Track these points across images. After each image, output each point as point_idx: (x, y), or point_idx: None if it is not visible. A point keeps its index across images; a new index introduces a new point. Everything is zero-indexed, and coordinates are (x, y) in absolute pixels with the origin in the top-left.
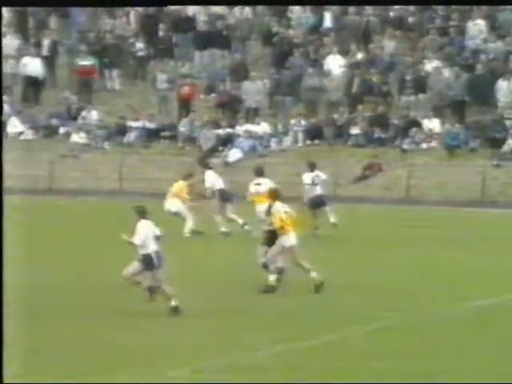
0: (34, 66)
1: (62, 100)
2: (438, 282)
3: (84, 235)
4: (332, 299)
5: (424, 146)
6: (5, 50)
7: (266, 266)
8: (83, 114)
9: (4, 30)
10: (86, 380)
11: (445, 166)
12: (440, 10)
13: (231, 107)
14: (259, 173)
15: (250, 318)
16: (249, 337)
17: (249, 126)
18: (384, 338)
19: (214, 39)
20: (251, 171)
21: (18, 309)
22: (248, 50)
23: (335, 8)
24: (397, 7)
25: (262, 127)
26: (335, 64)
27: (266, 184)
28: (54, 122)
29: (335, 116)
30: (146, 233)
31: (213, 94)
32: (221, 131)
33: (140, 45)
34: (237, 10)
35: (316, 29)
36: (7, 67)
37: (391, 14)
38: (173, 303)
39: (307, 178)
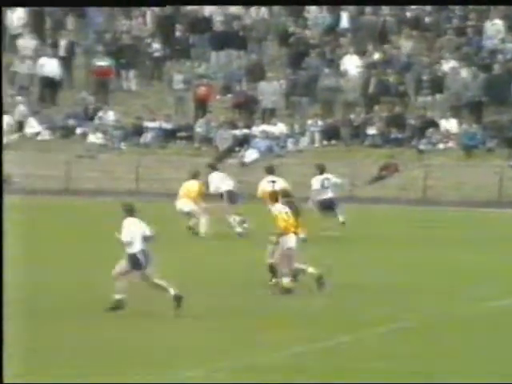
0: (50, 66)
1: (78, 100)
2: (455, 283)
3: (100, 236)
4: (347, 300)
5: (441, 146)
6: (22, 51)
7: (271, 268)
8: (100, 114)
9: (21, 30)
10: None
11: (462, 167)
12: (457, 9)
13: (247, 108)
14: (270, 171)
15: (263, 319)
16: (262, 337)
17: (265, 127)
18: (400, 339)
19: (230, 39)
20: (265, 171)
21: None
22: (264, 50)
23: (352, 8)
24: (413, 7)
25: (279, 128)
26: (352, 64)
27: (279, 182)
28: (71, 122)
29: (352, 116)
30: (132, 230)
31: (229, 95)
32: (237, 132)
33: (156, 45)
34: (253, 10)
35: (332, 29)
36: (24, 68)
37: (408, 13)
38: (172, 292)
39: (316, 181)
